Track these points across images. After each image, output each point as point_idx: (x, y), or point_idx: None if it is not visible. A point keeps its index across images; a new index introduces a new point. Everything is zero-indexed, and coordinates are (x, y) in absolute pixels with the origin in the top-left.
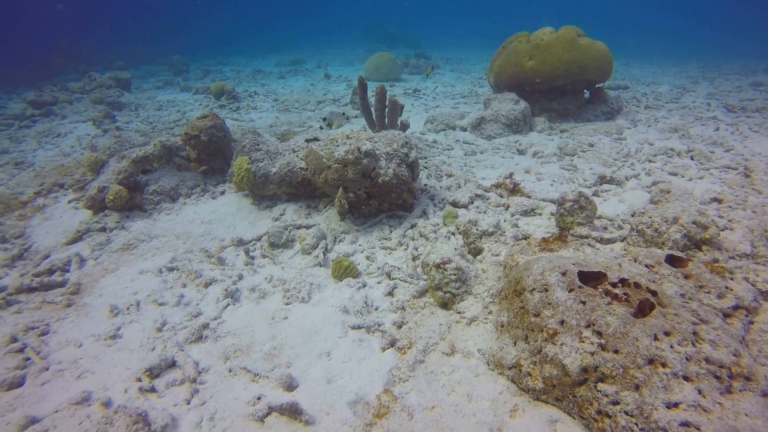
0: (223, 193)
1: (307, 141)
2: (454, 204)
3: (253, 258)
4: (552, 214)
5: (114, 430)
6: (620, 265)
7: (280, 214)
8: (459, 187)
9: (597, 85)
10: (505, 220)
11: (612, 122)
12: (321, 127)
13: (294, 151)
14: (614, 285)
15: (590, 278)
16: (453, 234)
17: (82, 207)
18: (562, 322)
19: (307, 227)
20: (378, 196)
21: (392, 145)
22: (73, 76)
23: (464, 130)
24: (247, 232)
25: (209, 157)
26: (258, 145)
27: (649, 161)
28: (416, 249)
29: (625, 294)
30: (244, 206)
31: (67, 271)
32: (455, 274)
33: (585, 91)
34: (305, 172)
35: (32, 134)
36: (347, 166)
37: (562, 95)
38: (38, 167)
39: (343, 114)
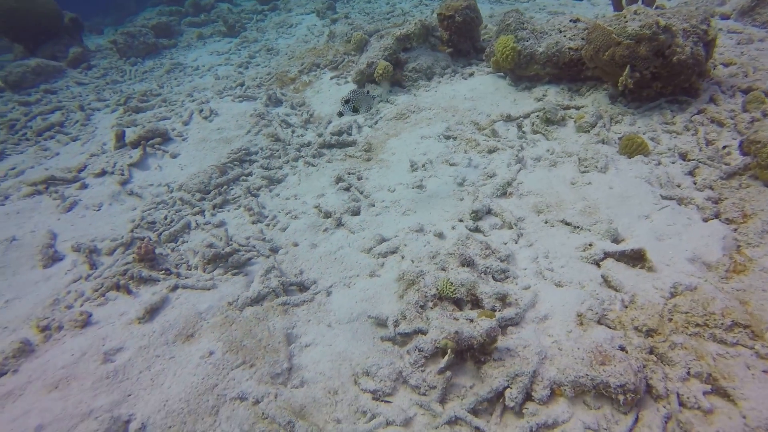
0: (472, 74)
1: (573, 21)
2: (751, 89)
3: (524, 133)
4: None
5: (470, 251)
6: None
7: (543, 95)
8: (746, 75)
9: None
10: None
11: None
12: (340, 113)
13: (560, 31)
14: None
15: None
16: (759, 119)
17: (351, 81)
18: None
19: (576, 108)
20: (664, 78)
21: (690, 21)
22: None
23: (725, 18)
24: (512, 109)
25: (459, 39)
26: (523, 24)
27: None
28: (707, 134)
29: None
30: (501, 86)
31: (350, 134)
32: None
33: None
34: (574, 52)
35: (270, 26)
36: (641, 42)
37: None
38: (288, 51)
39: (368, 92)
